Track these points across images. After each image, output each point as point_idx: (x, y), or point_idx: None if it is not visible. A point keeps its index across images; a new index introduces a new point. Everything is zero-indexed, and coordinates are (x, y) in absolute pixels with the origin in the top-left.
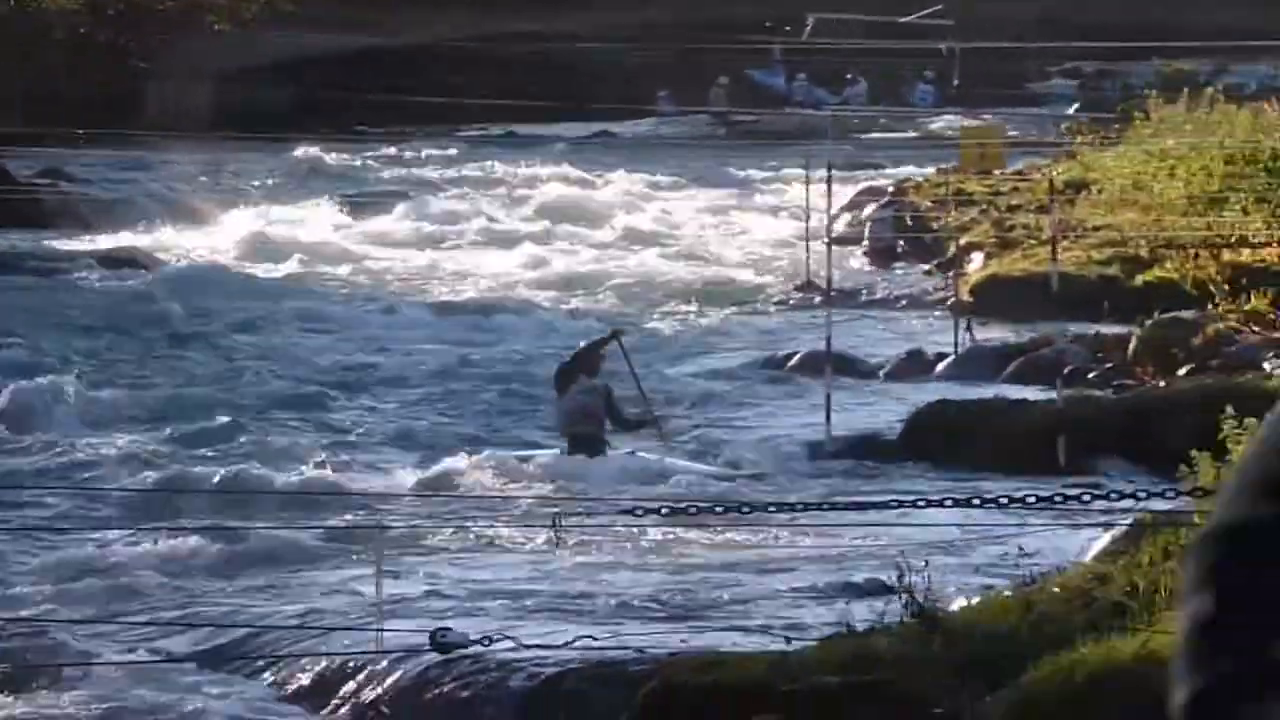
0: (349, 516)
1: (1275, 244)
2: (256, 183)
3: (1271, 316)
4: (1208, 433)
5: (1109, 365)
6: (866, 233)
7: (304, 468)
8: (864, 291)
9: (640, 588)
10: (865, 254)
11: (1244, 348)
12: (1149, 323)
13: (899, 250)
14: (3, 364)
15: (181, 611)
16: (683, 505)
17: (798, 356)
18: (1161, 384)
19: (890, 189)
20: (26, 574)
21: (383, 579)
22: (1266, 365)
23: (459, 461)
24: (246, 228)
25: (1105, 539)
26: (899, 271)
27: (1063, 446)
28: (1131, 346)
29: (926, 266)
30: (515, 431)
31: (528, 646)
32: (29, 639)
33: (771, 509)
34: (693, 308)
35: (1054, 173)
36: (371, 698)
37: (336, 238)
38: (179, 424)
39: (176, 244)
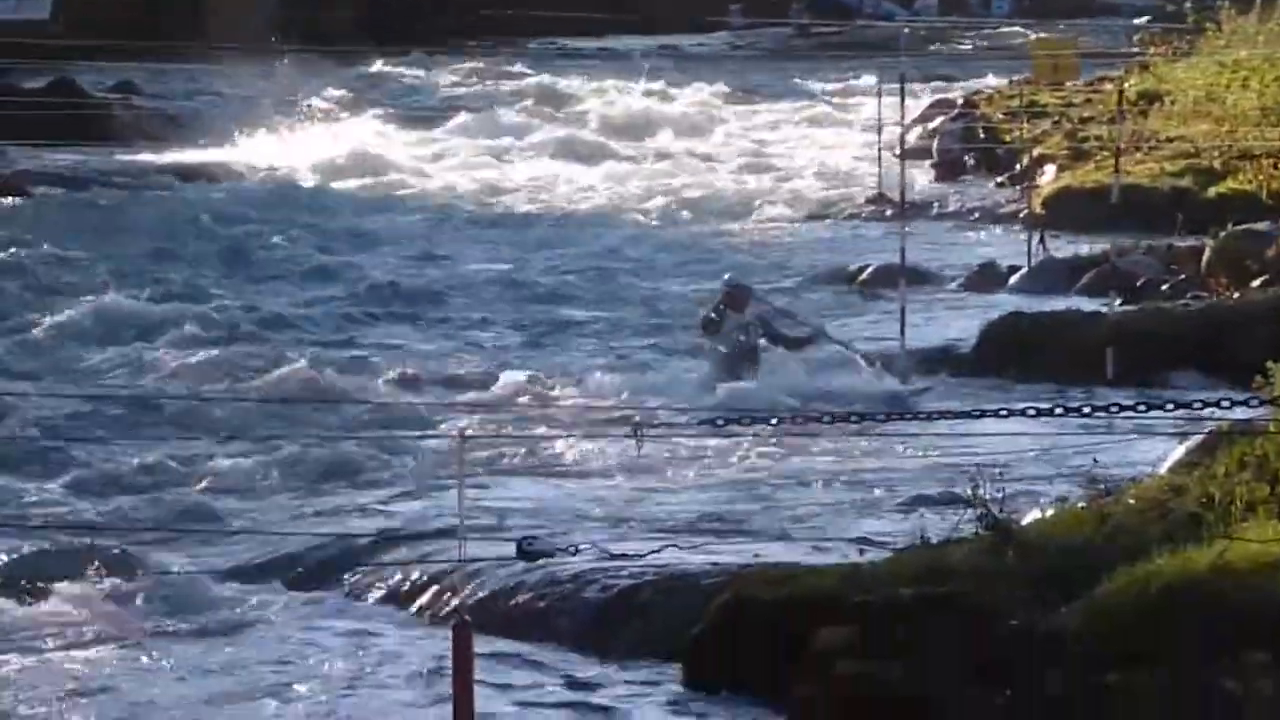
0: (429, 429)
1: None
2: (322, 98)
3: None
4: None
5: (1182, 277)
6: (935, 145)
7: (382, 379)
8: (935, 205)
9: (716, 501)
10: (934, 166)
11: None
12: (1222, 234)
13: (967, 163)
14: (75, 279)
15: (262, 520)
16: (763, 414)
17: (870, 269)
18: (1235, 296)
19: (960, 102)
20: (100, 483)
21: (464, 488)
22: None
23: (538, 371)
24: (315, 142)
25: (1180, 450)
26: (969, 184)
27: (1111, 358)
28: (1205, 258)
29: (998, 179)
30: (594, 342)
31: (613, 556)
32: (100, 551)
33: (854, 419)
34: (764, 222)
35: (1125, 84)
36: (452, 606)
37: (403, 153)
38: (250, 338)
39: (246, 159)
